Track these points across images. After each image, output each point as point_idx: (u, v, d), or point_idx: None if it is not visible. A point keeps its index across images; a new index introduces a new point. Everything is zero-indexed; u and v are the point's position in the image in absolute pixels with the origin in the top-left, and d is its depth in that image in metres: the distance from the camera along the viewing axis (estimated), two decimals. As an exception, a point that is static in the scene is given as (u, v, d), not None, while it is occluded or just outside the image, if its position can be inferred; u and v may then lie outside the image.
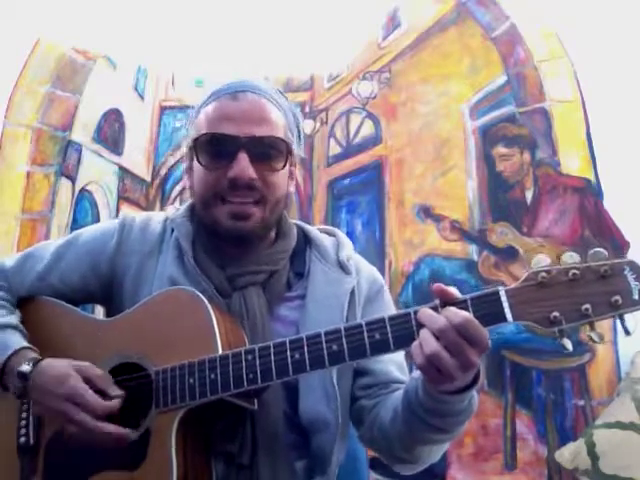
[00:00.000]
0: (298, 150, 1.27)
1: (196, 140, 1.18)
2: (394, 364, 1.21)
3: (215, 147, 1.16)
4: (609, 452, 2.16)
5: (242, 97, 1.17)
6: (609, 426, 2.22)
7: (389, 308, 1.28)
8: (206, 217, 1.20)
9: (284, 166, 1.18)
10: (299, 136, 1.27)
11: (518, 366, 2.50)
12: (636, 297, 0.86)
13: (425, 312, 0.93)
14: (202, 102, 1.22)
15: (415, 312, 0.95)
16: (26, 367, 1.09)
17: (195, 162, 1.19)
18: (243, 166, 1.13)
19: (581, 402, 2.41)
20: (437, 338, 0.90)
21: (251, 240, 1.19)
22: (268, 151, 1.16)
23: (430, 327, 0.91)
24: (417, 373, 1.02)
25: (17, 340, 1.16)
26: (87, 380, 1.06)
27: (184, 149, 1.29)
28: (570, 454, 2.24)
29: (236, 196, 1.15)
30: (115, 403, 1.05)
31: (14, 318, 1.21)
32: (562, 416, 2.42)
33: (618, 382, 2.37)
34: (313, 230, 1.32)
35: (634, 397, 2.24)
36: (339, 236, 1.31)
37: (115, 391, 1.07)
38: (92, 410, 1.03)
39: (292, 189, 1.26)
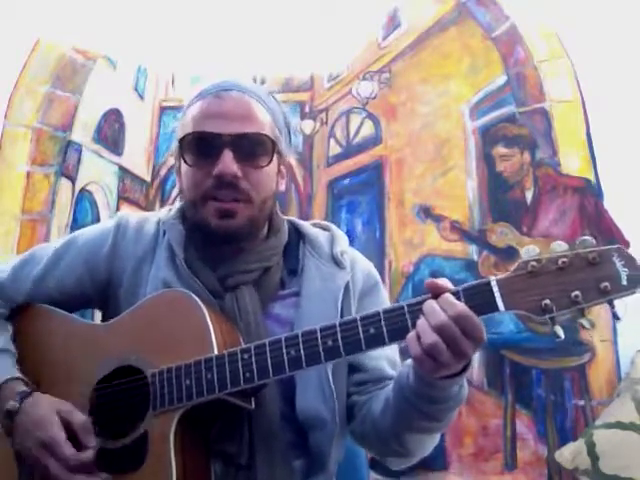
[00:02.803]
0: (288, 150, 1.26)
1: (181, 140, 1.18)
2: (386, 360, 1.22)
3: (200, 146, 1.16)
4: (609, 452, 2.16)
5: (226, 95, 1.17)
6: (609, 426, 2.22)
7: (384, 303, 1.27)
8: (195, 217, 1.19)
9: (269, 163, 1.18)
10: (289, 136, 1.27)
11: (518, 366, 2.50)
12: (624, 282, 0.87)
13: (428, 303, 0.94)
14: (189, 102, 1.22)
15: (408, 305, 0.96)
16: (13, 404, 1.09)
17: (182, 163, 1.20)
18: (227, 163, 1.12)
19: (581, 402, 2.41)
20: (434, 329, 0.91)
21: (239, 238, 1.18)
22: (252, 148, 1.16)
23: (430, 318, 0.92)
24: (409, 361, 1.03)
25: (4, 369, 1.15)
26: (67, 425, 1.06)
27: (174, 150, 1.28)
28: (570, 454, 2.24)
29: (221, 194, 1.14)
30: (88, 455, 1.04)
31: (2, 339, 1.19)
32: (562, 416, 2.42)
33: (618, 382, 2.37)
34: (306, 225, 1.31)
35: (634, 397, 2.24)
36: (333, 230, 1.31)
37: (91, 442, 1.05)
38: (65, 461, 1.02)
39: (282, 187, 1.26)
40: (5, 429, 1.10)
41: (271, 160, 1.18)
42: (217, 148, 1.13)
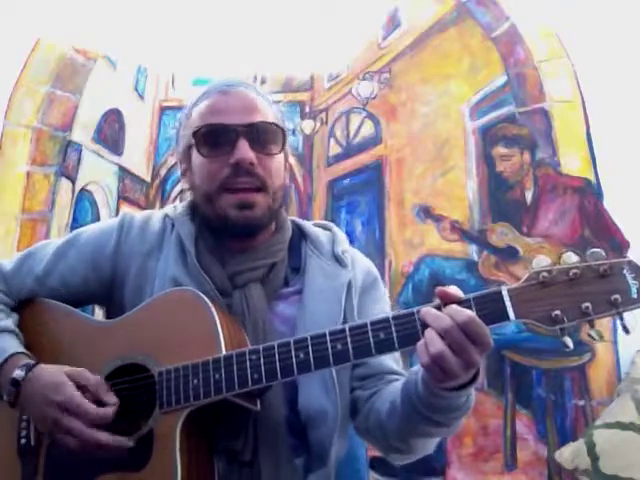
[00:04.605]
0: (288, 146, 1.30)
1: (195, 133, 1.21)
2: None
3: (214, 137, 1.19)
4: (609, 452, 2.16)
5: (231, 91, 1.22)
6: (609, 426, 2.22)
7: (383, 298, 1.31)
8: (211, 211, 1.20)
9: (281, 150, 1.22)
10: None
11: (518, 366, 2.50)
12: (635, 295, 0.88)
13: (429, 312, 0.94)
14: (192, 103, 1.26)
15: (419, 311, 0.96)
16: (19, 373, 1.09)
17: (195, 158, 1.22)
18: (244, 150, 1.16)
19: (581, 402, 2.41)
20: (442, 337, 0.92)
21: (257, 230, 1.21)
22: (265, 136, 1.20)
23: (435, 326, 0.92)
24: (416, 367, 1.04)
25: (11, 344, 1.15)
26: (81, 387, 1.06)
27: (178, 152, 1.31)
28: (570, 454, 2.24)
29: (239, 183, 1.17)
30: (110, 410, 1.04)
31: (10, 322, 1.20)
32: (562, 416, 2.42)
33: (618, 382, 2.37)
34: (308, 225, 1.34)
35: (634, 397, 2.23)
36: (334, 230, 1.33)
37: (110, 398, 1.06)
38: (87, 418, 1.02)
39: (287, 181, 1.29)
40: (10, 399, 1.09)
41: (282, 148, 1.23)
42: (232, 138, 1.17)
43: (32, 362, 1.12)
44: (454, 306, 0.93)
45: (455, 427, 1.08)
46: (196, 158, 1.22)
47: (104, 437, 1.02)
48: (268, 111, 1.23)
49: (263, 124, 1.20)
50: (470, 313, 0.92)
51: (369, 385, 1.21)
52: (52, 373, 1.08)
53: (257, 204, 1.18)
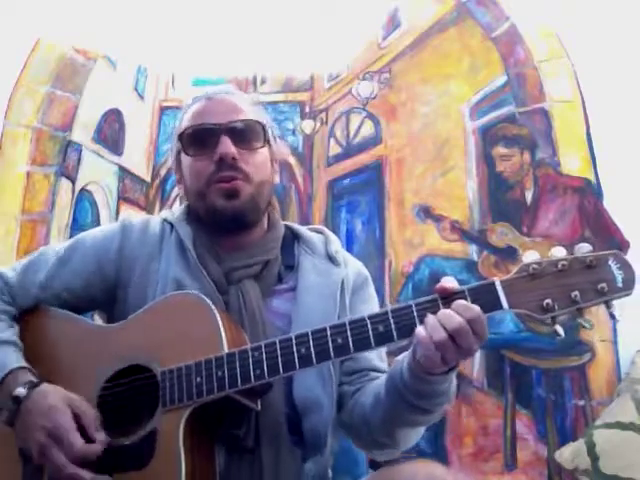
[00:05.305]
0: (277, 149, 1.36)
1: (181, 136, 1.28)
2: (374, 352, 1.27)
3: (199, 138, 1.26)
4: (609, 452, 2.16)
5: (215, 97, 1.31)
6: (609, 426, 2.22)
7: (372, 299, 1.35)
8: (203, 207, 1.25)
9: (263, 146, 1.28)
10: (275, 139, 1.37)
11: (518, 366, 2.50)
12: (620, 285, 0.94)
13: (445, 313, 0.98)
14: (182, 114, 1.33)
15: (416, 304, 1.00)
16: (21, 390, 1.09)
17: (183, 161, 1.29)
18: (226, 146, 1.22)
19: (581, 402, 2.41)
20: (443, 326, 0.96)
21: (245, 221, 1.25)
22: (246, 133, 1.26)
23: (447, 324, 0.96)
24: (401, 357, 1.08)
25: (11, 359, 1.15)
26: (77, 416, 1.06)
27: (173, 162, 1.38)
28: (570, 454, 2.24)
29: (224, 175, 1.22)
30: (97, 448, 1.05)
31: (9, 333, 1.20)
32: (562, 416, 2.42)
33: (618, 382, 2.37)
34: (301, 228, 1.39)
35: (634, 397, 2.24)
36: (326, 233, 1.38)
37: (101, 437, 1.06)
38: (72, 452, 1.03)
39: (277, 180, 1.35)
40: (8, 416, 1.09)
41: (264, 144, 1.28)
42: (215, 136, 1.23)
43: (35, 380, 1.12)
44: (463, 302, 0.98)
45: (439, 414, 1.12)
46: (184, 160, 1.29)
47: (86, 476, 1.02)
48: (251, 111, 1.31)
49: (243, 121, 1.27)
50: (466, 302, 0.97)
51: (355, 381, 1.24)
52: (51, 397, 1.08)
53: (241, 192, 1.23)
